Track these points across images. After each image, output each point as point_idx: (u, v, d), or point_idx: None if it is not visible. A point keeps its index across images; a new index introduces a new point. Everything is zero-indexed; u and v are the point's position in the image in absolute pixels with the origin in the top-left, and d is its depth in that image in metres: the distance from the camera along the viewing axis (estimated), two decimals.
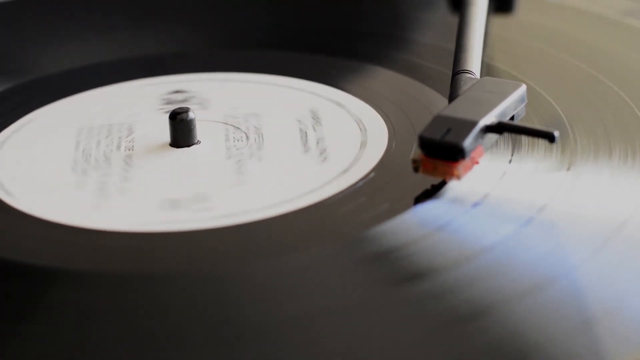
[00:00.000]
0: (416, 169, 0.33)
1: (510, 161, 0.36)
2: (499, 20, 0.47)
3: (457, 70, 0.38)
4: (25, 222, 0.34)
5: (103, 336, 0.29)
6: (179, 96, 0.42)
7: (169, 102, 0.41)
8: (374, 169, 0.36)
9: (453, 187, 0.34)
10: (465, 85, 0.36)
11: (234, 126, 0.39)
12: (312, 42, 0.46)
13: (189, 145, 0.38)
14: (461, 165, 0.33)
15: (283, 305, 0.30)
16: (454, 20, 0.44)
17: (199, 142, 0.38)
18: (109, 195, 0.35)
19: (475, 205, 0.33)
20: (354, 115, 0.40)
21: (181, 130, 0.38)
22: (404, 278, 0.30)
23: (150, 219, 0.34)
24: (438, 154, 0.33)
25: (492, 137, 0.34)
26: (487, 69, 0.42)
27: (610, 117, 0.38)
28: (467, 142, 0.33)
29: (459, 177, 0.33)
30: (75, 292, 0.31)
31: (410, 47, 0.45)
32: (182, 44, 0.47)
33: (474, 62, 0.38)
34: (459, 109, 0.34)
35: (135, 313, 0.30)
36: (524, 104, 0.36)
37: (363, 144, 0.37)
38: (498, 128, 0.34)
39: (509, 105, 0.35)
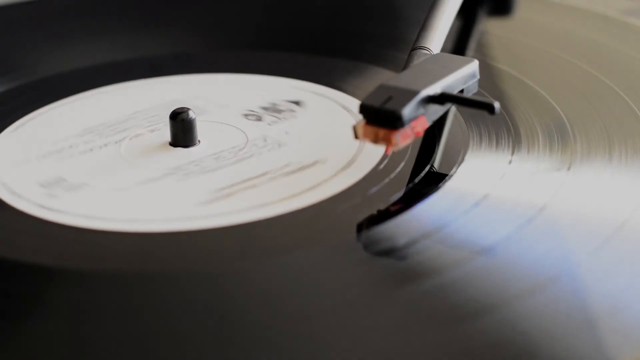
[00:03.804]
0: (356, 136, 0.34)
1: (510, 161, 0.35)
2: (500, 20, 0.47)
3: (415, 46, 0.38)
4: (25, 222, 0.34)
5: (102, 336, 0.29)
6: (180, 96, 0.42)
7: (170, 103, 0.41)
8: (373, 170, 0.36)
9: (453, 187, 0.34)
10: (418, 60, 0.37)
11: (234, 126, 0.39)
12: (312, 43, 0.46)
13: (189, 145, 0.38)
14: (399, 133, 0.33)
15: (282, 304, 0.30)
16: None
17: (199, 142, 0.38)
18: (109, 195, 0.35)
19: (475, 205, 0.33)
20: (354, 115, 0.40)
21: (181, 130, 0.38)
22: (403, 278, 0.30)
23: (149, 219, 0.34)
24: (378, 121, 0.33)
25: (436, 108, 0.34)
26: (487, 69, 0.42)
27: (610, 117, 0.38)
28: (406, 110, 0.33)
29: (396, 145, 0.33)
30: (75, 292, 0.31)
31: (410, 48, 0.45)
32: (182, 45, 0.47)
33: (434, 40, 0.39)
34: (403, 80, 0.34)
35: (135, 313, 0.30)
36: (475, 80, 0.36)
37: (362, 144, 0.37)
38: (440, 99, 0.34)
39: (457, 79, 0.35)
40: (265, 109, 0.40)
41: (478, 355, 0.27)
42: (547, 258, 0.31)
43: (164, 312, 0.30)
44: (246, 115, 0.40)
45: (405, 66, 0.37)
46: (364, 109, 0.33)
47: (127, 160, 0.37)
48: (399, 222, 0.33)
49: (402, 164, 0.36)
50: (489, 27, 0.46)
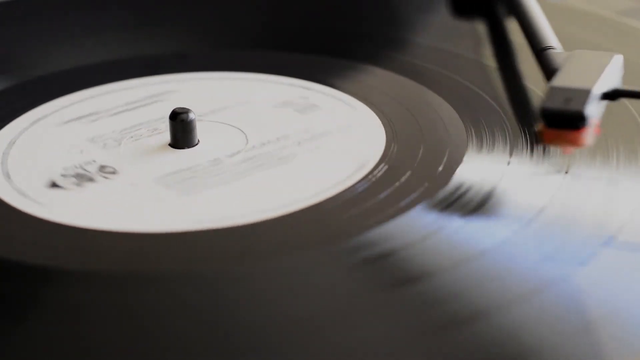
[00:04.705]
0: (540, 140, 0.34)
1: (508, 163, 0.36)
2: (499, 20, 0.47)
3: (541, 47, 0.38)
4: (26, 222, 0.34)
5: (102, 336, 0.29)
6: (176, 96, 0.42)
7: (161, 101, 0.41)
8: (372, 171, 0.36)
9: (451, 189, 0.34)
10: (558, 59, 0.37)
11: (234, 126, 0.39)
12: (312, 43, 0.46)
13: (189, 146, 0.38)
14: (585, 133, 0.33)
15: (281, 306, 0.30)
16: (453, 22, 0.44)
17: (198, 142, 0.38)
18: (108, 195, 0.35)
19: (474, 208, 0.33)
20: (353, 117, 0.40)
21: (181, 131, 0.38)
22: (402, 280, 0.30)
23: (149, 219, 0.34)
24: (560, 123, 0.33)
25: (601, 106, 0.35)
26: (487, 69, 0.42)
27: (609, 118, 0.38)
28: (589, 109, 0.33)
29: (584, 145, 0.33)
30: (74, 292, 0.31)
31: (409, 49, 0.45)
32: (181, 44, 0.47)
33: (551, 38, 0.39)
34: (567, 79, 0.34)
35: (135, 313, 0.30)
36: (621, 74, 0.36)
37: (361, 145, 0.37)
38: (613, 95, 0.35)
39: (614, 73, 0.35)
40: (267, 107, 0.41)
41: (476, 359, 0.27)
42: (545, 261, 0.31)
43: (163, 312, 0.30)
44: (246, 115, 0.40)
45: (546, 67, 0.37)
46: (545, 114, 0.33)
47: (127, 160, 0.37)
48: (397, 224, 0.33)
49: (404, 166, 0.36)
50: (488, 26, 0.46)
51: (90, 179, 0.36)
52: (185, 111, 0.38)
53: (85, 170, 0.37)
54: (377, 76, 0.42)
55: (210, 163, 0.37)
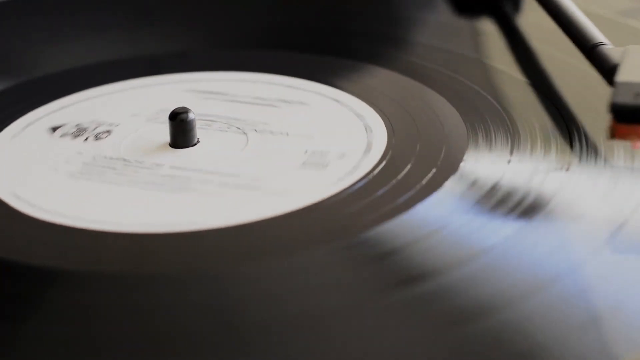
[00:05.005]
0: (612, 136, 0.33)
1: (509, 161, 0.36)
2: (500, 20, 0.47)
3: (592, 45, 0.38)
4: (26, 222, 0.34)
5: (102, 336, 0.29)
6: (178, 96, 0.42)
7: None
8: (373, 169, 0.36)
9: (452, 187, 0.34)
10: (614, 55, 0.37)
11: (233, 126, 0.39)
12: (312, 43, 0.46)
13: (188, 146, 0.38)
14: None
15: (282, 305, 0.30)
16: (454, 20, 0.44)
17: (198, 141, 0.38)
18: (108, 195, 0.35)
19: (475, 205, 0.33)
20: (354, 115, 0.40)
21: (181, 131, 0.38)
22: (404, 279, 0.30)
23: (150, 219, 0.34)
24: (632, 118, 0.33)
25: None
26: (487, 68, 0.42)
27: (609, 117, 0.38)
28: None
29: None
30: (75, 292, 0.31)
31: (409, 48, 0.45)
32: (183, 44, 0.47)
33: (599, 34, 0.39)
34: (632, 74, 0.34)
35: (135, 313, 0.30)
36: None
37: (362, 144, 0.37)
38: None
39: None
40: (268, 107, 0.41)
41: (479, 357, 0.27)
42: (546, 258, 0.31)
43: (164, 312, 0.30)
44: (246, 115, 0.40)
45: (601, 64, 0.37)
46: (615, 109, 0.33)
47: (127, 160, 0.37)
48: (399, 222, 0.33)
49: (409, 165, 0.36)
50: (489, 27, 0.46)
51: (89, 179, 0.36)
52: (185, 111, 0.38)
53: (84, 169, 0.37)
54: (378, 75, 0.42)
55: (210, 162, 0.37)
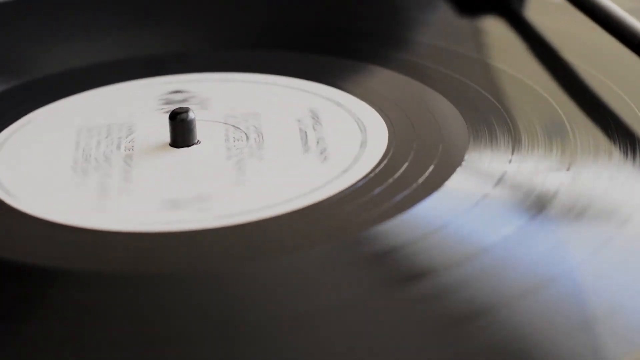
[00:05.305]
0: None
1: (510, 161, 0.36)
2: (500, 20, 0.47)
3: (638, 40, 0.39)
4: (26, 222, 0.34)
5: (103, 336, 0.29)
6: (179, 96, 0.42)
7: (169, 102, 0.41)
8: (373, 169, 0.36)
9: (453, 187, 0.34)
10: None
11: (233, 126, 0.39)
12: (312, 42, 0.46)
13: (188, 146, 0.38)
14: None
15: (283, 305, 0.30)
16: (454, 20, 0.44)
17: (198, 142, 0.38)
18: (109, 195, 0.35)
19: (475, 205, 0.33)
20: (354, 115, 0.40)
21: (181, 130, 0.38)
22: (404, 278, 0.30)
23: (150, 219, 0.34)
24: None
25: None
26: (487, 68, 0.42)
27: (610, 117, 0.38)
28: None
29: None
30: (75, 292, 0.31)
31: (410, 47, 0.45)
32: (182, 44, 0.47)
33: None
34: None
35: (135, 313, 0.30)
36: None
37: (363, 144, 0.37)
38: None
39: None
40: (267, 107, 0.41)
41: (478, 356, 0.27)
42: (546, 258, 0.31)
43: (164, 312, 0.30)
44: (246, 115, 0.40)
45: None
46: None
47: (127, 161, 0.37)
48: (399, 222, 0.33)
49: (406, 164, 0.36)
50: (489, 26, 0.46)
51: (89, 179, 0.36)
52: (185, 110, 0.38)
53: (84, 169, 0.37)
54: (379, 75, 0.42)
55: (210, 162, 0.37)
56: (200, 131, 0.38)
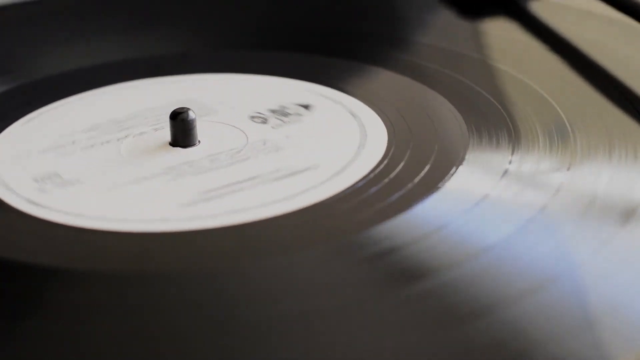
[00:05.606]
0: None
1: (510, 161, 0.36)
2: (500, 20, 0.47)
3: None
4: (25, 222, 0.34)
5: (102, 336, 0.29)
6: (180, 97, 0.42)
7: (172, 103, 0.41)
8: (373, 169, 0.36)
9: (453, 187, 0.34)
10: None
11: (233, 126, 0.39)
12: (312, 43, 0.46)
13: (189, 145, 0.38)
14: None
15: (282, 305, 0.30)
16: (454, 20, 0.44)
17: (199, 142, 0.38)
18: (109, 195, 0.35)
19: (476, 205, 0.33)
20: (354, 116, 0.40)
21: (182, 130, 0.38)
22: (403, 278, 0.30)
23: (150, 219, 0.34)
24: None
25: None
26: (487, 68, 0.42)
27: (610, 117, 0.38)
28: None
29: None
30: (75, 292, 0.31)
31: (410, 48, 0.45)
32: (184, 45, 0.47)
33: None
34: None
35: (135, 313, 0.30)
36: None
37: (362, 144, 0.37)
38: None
39: None
40: (273, 111, 0.40)
41: (478, 356, 0.27)
42: (546, 258, 0.31)
43: (164, 312, 0.30)
44: (253, 117, 0.40)
45: None
46: None
47: (127, 160, 0.37)
48: (399, 222, 0.33)
49: (401, 165, 0.36)
50: (489, 27, 0.46)
51: (89, 178, 0.36)
52: (185, 110, 0.38)
53: (84, 169, 0.37)
54: (379, 76, 0.42)
55: (210, 162, 0.37)
56: (200, 131, 0.38)
